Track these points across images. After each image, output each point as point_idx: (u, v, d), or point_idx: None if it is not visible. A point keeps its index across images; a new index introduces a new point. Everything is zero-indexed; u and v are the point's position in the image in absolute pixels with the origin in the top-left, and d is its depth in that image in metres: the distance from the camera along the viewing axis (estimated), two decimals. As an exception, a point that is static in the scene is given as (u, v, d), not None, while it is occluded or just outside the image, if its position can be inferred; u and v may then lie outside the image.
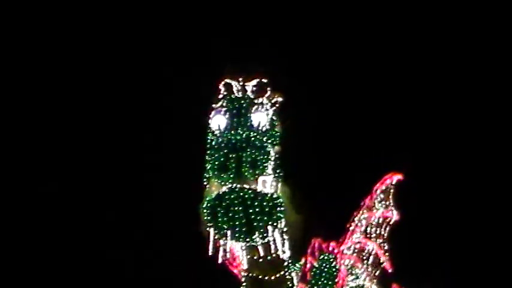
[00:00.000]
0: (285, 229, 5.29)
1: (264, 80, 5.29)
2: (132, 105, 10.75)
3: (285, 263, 5.41)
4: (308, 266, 6.23)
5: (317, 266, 6.27)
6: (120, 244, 10.62)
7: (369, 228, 6.56)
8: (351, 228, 6.49)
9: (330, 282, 6.18)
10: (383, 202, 6.59)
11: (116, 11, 10.77)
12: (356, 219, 6.58)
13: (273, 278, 5.37)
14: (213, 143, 4.98)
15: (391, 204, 6.61)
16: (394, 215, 6.60)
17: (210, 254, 5.01)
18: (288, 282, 5.51)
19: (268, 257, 5.21)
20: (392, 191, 6.65)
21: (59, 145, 11.19)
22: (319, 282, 6.21)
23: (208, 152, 4.95)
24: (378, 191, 6.61)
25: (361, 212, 6.62)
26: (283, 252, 5.29)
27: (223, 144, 4.87)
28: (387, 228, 6.60)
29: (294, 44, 10.49)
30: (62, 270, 10.71)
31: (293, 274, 5.70)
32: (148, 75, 10.61)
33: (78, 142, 11.10)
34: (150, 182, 10.50)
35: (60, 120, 11.26)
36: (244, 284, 5.48)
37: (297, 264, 6.23)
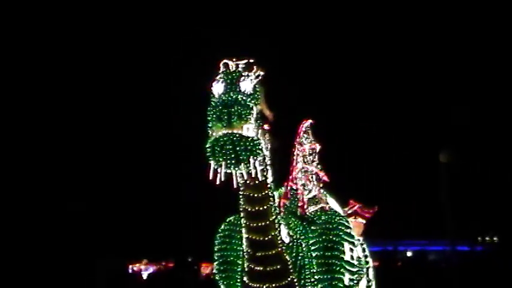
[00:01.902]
0: (268, 162, 7.34)
1: (251, 60, 7.17)
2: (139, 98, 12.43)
3: (268, 185, 7.43)
4: (288, 188, 8.53)
5: (294, 188, 8.59)
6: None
7: (306, 158, 8.83)
8: (294, 159, 8.78)
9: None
10: (307, 139, 8.92)
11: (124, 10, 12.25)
12: (295, 153, 8.84)
13: (260, 195, 7.38)
14: (213, 103, 6.89)
15: (312, 139, 8.97)
16: (317, 146, 8.98)
17: (210, 178, 6.95)
18: (271, 198, 7.50)
19: (256, 182, 7.20)
20: (309, 130, 9.01)
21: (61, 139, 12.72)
22: (295, 199, 8.56)
23: (209, 109, 6.86)
24: (301, 132, 8.93)
25: (295, 148, 8.89)
26: (265, 177, 7.33)
27: (219, 103, 6.82)
28: (316, 156, 8.97)
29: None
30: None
31: (275, 193, 7.72)
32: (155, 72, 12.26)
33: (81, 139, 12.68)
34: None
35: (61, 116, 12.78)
36: (241, 199, 7.49)
37: (282, 188, 8.54)
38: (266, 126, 7.70)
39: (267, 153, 7.60)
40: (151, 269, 32.21)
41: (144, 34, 12.49)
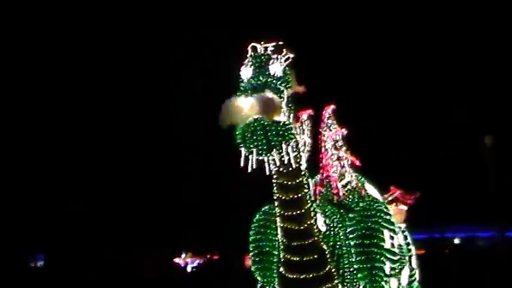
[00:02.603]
0: (302, 148, 7.15)
1: (281, 43, 7.00)
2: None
3: (303, 172, 7.19)
4: (324, 175, 8.34)
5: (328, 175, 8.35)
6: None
7: (334, 144, 8.56)
8: (322, 146, 8.52)
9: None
10: (332, 125, 8.65)
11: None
12: (322, 140, 8.52)
13: (294, 182, 7.16)
14: (241, 88, 6.71)
15: (335, 124, 8.66)
16: (340, 132, 8.66)
17: (242, 165, 6.74)
18: (305, 186, 7.29)
19: (290, 168, 6.98)
20: (332, 115, 8.68)
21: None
22: (331, 186, 8.34)
23: (238, 93, 6.68)
24: (325, 119, 8.65)
25: (322, 134, 8.55)
26: (298, 164, 7.09)
27: (248, 88, 6.65)
28: (342, 142, 8.67)
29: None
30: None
31: (310, 180, 7.46)
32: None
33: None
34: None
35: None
36: (274, 187, 7.26)
37: (318, 176, 8.32)
38: (309, 111, 7.58)
39: (308, 139, 7.46)
40: (197, 262, 32.40)
41: (144, 34, 12.46)
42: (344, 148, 8.70)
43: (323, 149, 8.55)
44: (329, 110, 8.75)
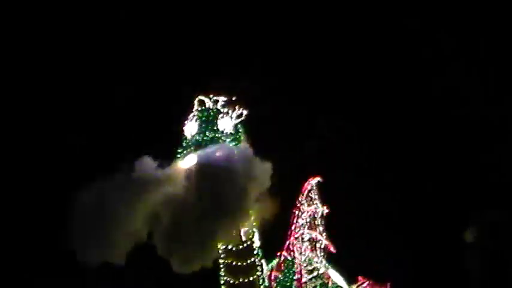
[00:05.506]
0: (253, 222, 6.32)
1: (233, 97, 6.39)
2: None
3: (255, 252, 6.44)
4: (282, 258, 7.39)
5: (290, 259, 7.42)
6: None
7: (309, 222, 7.59)
8: (293, 223, 7.58)
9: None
10: (312, 200, 7.71)
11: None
12: (296, 215, 7.60)
13: (245, 263, 6.40)
14: (183, 144, 6.05)
15: (316, 200, 7.71)
16: (321, 209, 7.69)
17: None
18: (258, 268, 6.50)
19: (240, 247, 6.25)
20: (314, 189, 7.76)
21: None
22: (290, 271, 7.38)
23: (179, 151, 6.04)
24: (305, 192, 7.72)
25: (297, 209, 7.64)
26: (251, 241, 6.35)
27: (190, 144, 5.98)
28: (321, 220, 7.70)
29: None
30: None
31: (263, 261, 6.67)
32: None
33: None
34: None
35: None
36: (221, 269, 6.50)
37: (275, 260, 7.38)
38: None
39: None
40: None
41: (144, 34, 12.13)
42: (321, 228, 7.71)
43: (293, 226, 7.57)
44: (313, 181, 7.80)
